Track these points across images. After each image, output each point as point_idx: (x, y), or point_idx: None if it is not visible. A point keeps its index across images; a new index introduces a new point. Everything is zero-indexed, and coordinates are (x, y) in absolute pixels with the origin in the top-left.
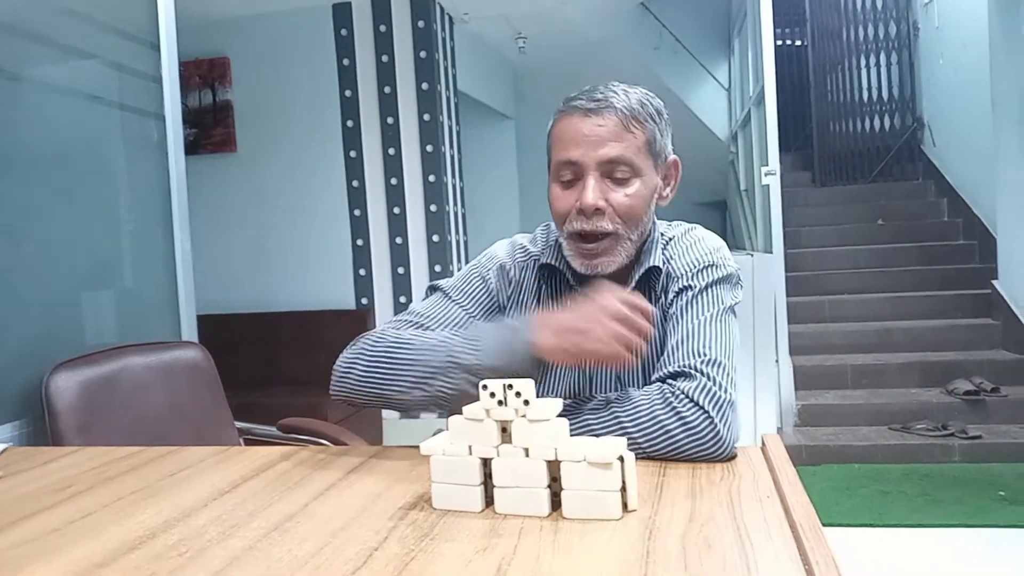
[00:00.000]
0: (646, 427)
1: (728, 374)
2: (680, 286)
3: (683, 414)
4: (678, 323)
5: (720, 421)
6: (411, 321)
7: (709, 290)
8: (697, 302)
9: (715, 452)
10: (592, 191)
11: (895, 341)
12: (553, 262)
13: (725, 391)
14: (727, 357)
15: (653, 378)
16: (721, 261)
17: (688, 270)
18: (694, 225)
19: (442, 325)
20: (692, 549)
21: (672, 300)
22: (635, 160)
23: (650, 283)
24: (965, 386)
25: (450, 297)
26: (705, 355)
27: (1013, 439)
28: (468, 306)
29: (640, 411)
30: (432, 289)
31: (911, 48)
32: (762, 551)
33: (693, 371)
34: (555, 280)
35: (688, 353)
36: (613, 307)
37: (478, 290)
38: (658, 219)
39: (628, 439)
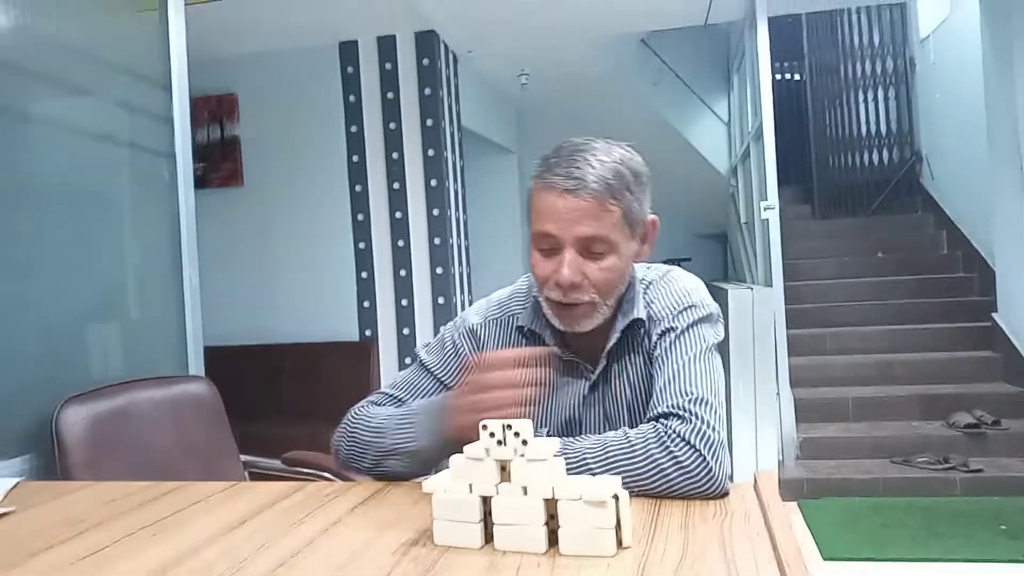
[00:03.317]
0: (641, 466)
1: (716, 412)
2: (663, 328)
3: (677, 455)
4: (664, 364)
5: (712, 460)
6: (390, 395)
7: (691, 330)
8: (681, 342)
9: (708, 490)
10: (568, 267)
11: (896, 374)
12: (533, 327)
13: (715, 431)
14: (714, 395)
15: (647, 418)
16: (700, 301)
17: (669, 312)
18: (671, 267)
19: (416, 397)
20: None
21: (656, 342)
22: (611, 236)
23: (633, 331)
24: (966, 419)
25: (426, 368)
26: (693, 394)
27: (1014, 472)
28: (442, 375)
29: (635, 451)
30: (416, 357)
31: (908, 83)
32: None
33: (684, 412)
34: (535, 343)
35: (677, 392)
36: (491, 380)
37: (449, 357)
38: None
39: (624, 477)
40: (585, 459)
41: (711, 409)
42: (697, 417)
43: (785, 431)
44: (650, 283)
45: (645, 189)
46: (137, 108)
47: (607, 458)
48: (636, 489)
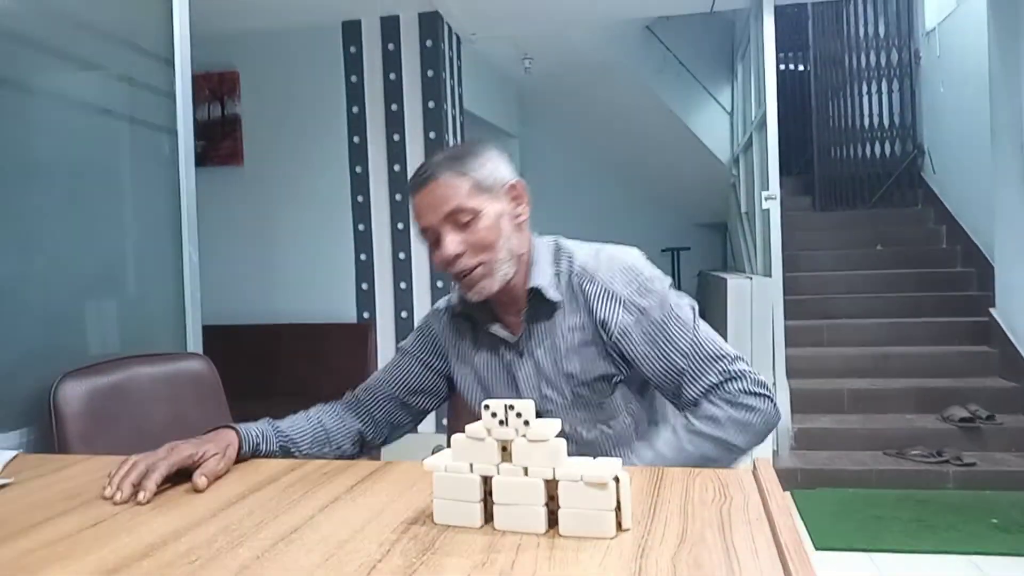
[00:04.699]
0: (736, 434)
1: (744, 360)
2: (638, 309)
3: (754, 406)
4: (670, 344)
5: (773, 395)
6: (363, 386)
7: (673, 305)
8: (673, 320)
9: (777, 421)
10: (447, 244)
11: (892, 366)
12: (464, 309)
13: (757, 372)
14: (730, 349)
15: (695, 396)
16: (657, 275)
17: (634, 291)
18: (603, 246)
19: (389, 373)
20: (682, 567)
21: (635, 323)
22: (467, 204)
23: (543, 300)
24: (961, 413)
25: (403, 350)
26: (723, 356)
27: (1007, 467)
28: (416, 353)
29: (726, 424)
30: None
31: (912, 76)
32: (749, 571)
33: (730, 373)
34: (472, 325)
35: (708, 362)
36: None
37: (421, 338)
38: (569, 240)
39: (726, 447)
40: (698, 450)
41: (741, 360)
42: (742, 371)
43: (780, 421)
44: (583, 262)
45: (490, 159)
46: (139, 82)
47: (713, 438)
48: (731, 458)
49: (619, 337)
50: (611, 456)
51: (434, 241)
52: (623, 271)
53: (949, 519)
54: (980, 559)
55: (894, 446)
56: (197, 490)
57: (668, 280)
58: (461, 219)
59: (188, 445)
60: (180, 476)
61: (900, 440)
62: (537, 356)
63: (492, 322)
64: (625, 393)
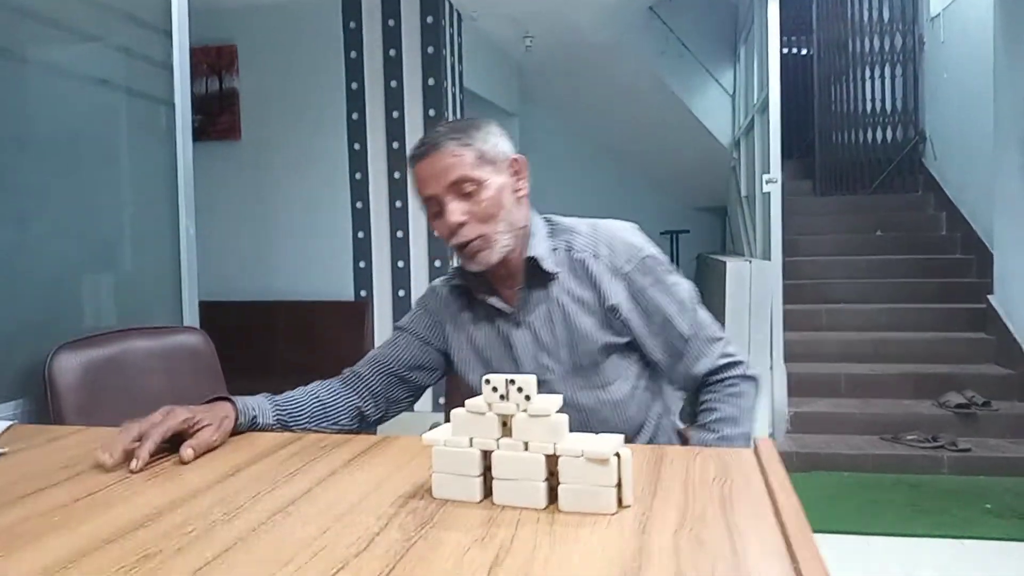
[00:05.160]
0: (751, 409)
1: (728, 337)
2: (639, 287)
3: (748, 390)
4: (670, 324)
5: (756, 375)
6: (362, 361)
7: (674, 284)
8: (674, 301)
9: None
10: (451, 213)
11: (889, 352)
12: (462, 282)
13: (738, 352)
14: (721, 330)
15: (696, 376)
16: (657, 251)
17: (635, 268)
18: (599, 220)
19: (387, 347)
20: (684, 545)
21: (635, 301)
22: (471, 174)
23: (541, 272)
24: (957, 399)
25: (400, 327)
26: (717, 337)
27: (1002, 453)
28: (414, 329)
29: (740, 404)
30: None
31: (916, 61)
32: (751, 548)
33: (729, 357)
34: (470, 297)
35: (706, 343)
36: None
37: (419, 314)
38: (565, 217)
39: (749, 434)
40: (730, 437)
41: (729, 341)
42: (734, 355)
43: (776, 405)
44: (579, 234)
45: (494, 135)
46: (137, 53)
47: (740, 433)
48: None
49: (619, 312)
50: (609, 421)
51: (436, 211)
52: (625, 247)
53: (943, 504)
54: (973, 543)
55: (890, 431)
56: (183, 462)
57: (666, 258)
58: (465, 188)
59: (184, 410)
60: (176, 443)
61: (896, 425)
62: (534, 326)
63: (490, 295)
64: (623, 360)
